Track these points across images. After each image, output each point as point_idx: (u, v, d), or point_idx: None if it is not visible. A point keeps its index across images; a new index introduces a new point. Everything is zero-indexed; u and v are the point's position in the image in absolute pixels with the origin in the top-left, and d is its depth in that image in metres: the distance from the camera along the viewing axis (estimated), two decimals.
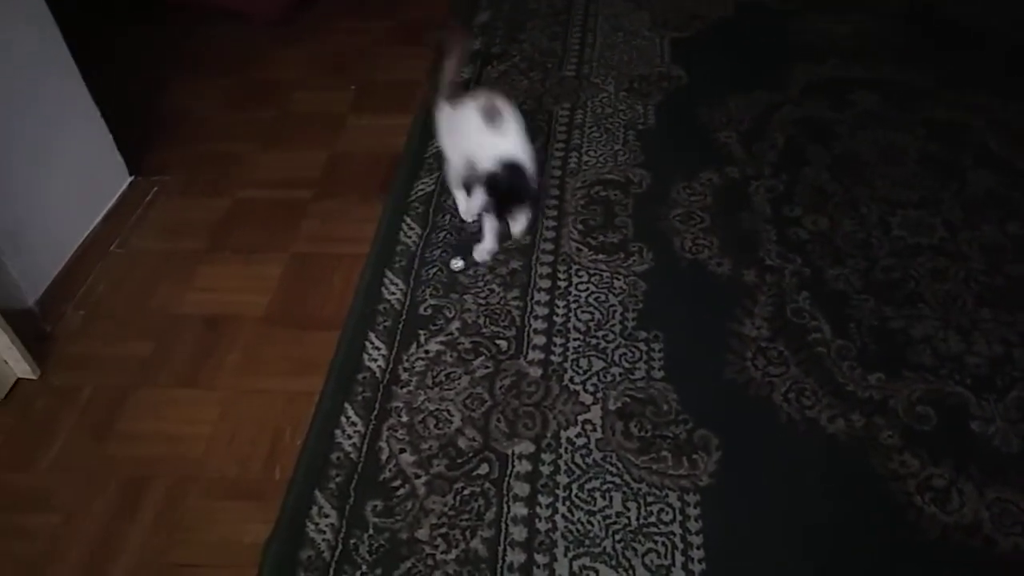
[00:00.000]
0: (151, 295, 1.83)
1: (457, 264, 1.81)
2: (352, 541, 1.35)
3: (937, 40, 2.45)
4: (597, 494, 1.39)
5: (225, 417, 1.57)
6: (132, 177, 2.08)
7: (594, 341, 1.65)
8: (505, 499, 1.40)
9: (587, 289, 1.76)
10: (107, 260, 1.91)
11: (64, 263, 1.84)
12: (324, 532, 1.37)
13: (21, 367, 1.63)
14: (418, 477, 1.44)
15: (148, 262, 1.91)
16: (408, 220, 1.96)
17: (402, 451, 1.48)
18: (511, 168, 1.61)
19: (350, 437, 1.51)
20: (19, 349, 1.60)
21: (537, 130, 2.16)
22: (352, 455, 1.48)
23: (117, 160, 2.04)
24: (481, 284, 1.78)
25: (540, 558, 1.31)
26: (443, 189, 2.03)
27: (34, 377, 1.65)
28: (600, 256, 1.82)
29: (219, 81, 2.51)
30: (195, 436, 1.54)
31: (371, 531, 1.36)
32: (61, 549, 1.38)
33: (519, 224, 1.72)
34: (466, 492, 1.41)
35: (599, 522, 1.35)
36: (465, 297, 1.75)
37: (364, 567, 1.32)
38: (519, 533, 1.35)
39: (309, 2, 2.84)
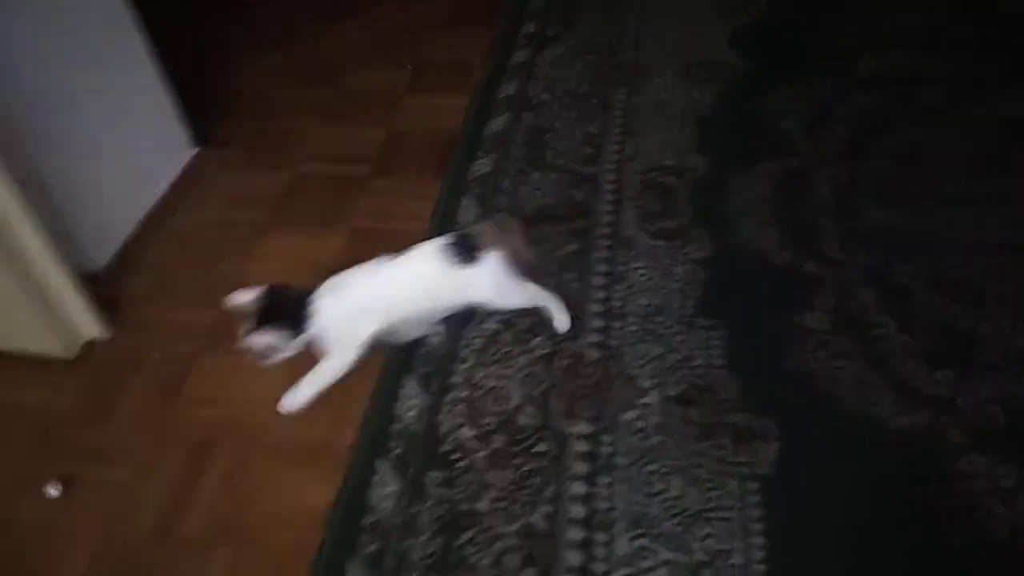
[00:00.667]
0: (215, 264, 1.86)
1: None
2: (413, 510, 1.38)
3: (999, 30, 2.39)
4: (655, 477, 1.40)
5: (290, 384, 1.59)
6: (197, 149, 2.12)
7: (652, 327, 1.64)
8: (564, 477, 1.41)
9: (645, 274, 1.76)
10: (172, 228, 1.96)
11: (132, 230, 1.89)
12: (386, 500, 1.40)
13: (92, 329, 1.68)
14: (477, 452, 1.46)
15: (211, 232, 1.95)
16: (465, 200, 1.98)
17: (461, 425, 1.50)
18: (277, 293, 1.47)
19: (410, 410, 1.53)
20: (91, 311, 1.64)
21: (593, 114, 2.16)
22: (412, 427, 1.51)
23: (183, 131, 2.08)
24: (539, 265, 1.79)
25: (599, 536, 1.33)
26: (499, 169, 2.05)
27: (104, 338, 1.70)
28: (659, 242, 1.82)
29: (272, 58, 2.55)
30: (261, 401, 1.56)
31: (432, 501, 1.39)
32: (132, 504, 1.43)
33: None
34: (525, 468, 1.42)
35: (658, 504, 1.36)
36: None
37: (426, 536, 1.34)
38: (577, 511, 1.36)
39: None
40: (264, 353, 1.45)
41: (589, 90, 2.29)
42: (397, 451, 1.47)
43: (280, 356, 1.47)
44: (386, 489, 1.41)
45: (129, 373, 1.64)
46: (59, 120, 1.66)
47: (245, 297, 1.45)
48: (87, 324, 1.66)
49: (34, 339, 1.63)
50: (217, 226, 1.96)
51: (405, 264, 1.52)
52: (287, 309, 1.46)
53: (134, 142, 1.90)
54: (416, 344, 1.63)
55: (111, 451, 1.51)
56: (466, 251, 1.49)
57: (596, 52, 2.45)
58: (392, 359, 1.62)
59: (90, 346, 1.69)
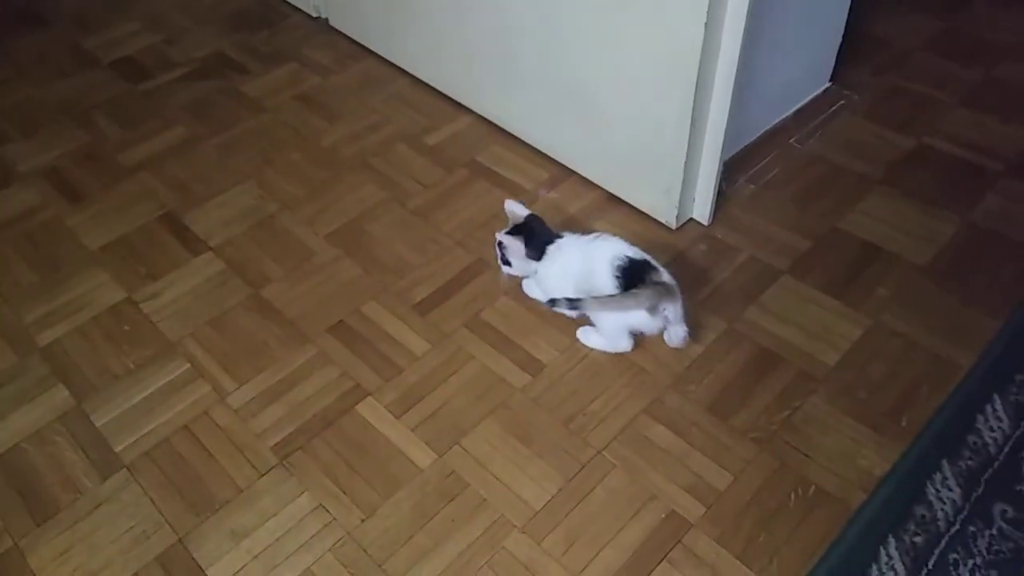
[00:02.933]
0: (816, 198, 1.88)
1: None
2: (971, 529, 1.29)
3: None
4: None
5: (865, 341, 1.58)
6: (828, 84, 2.13)
7: None
8: None
9: None
10: (784, 150, 2.01)
11: (754, 137, 1.98)
12: (943, 503, 1.32)
13: (700, 210, 1.81)
14: None
15: (819, 168, 1.96)
16: None
17: None
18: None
19: (992, 431, 1.42)
20: (710, 194, 1.77)
21: None
22: (991, 448, 1.39)
23: (826, 63, 2.09)
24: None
25: None
26: None
27: (704, 223, 1.83)
28: None
29: (926, 19, 2.42)
30: (831, 344, 1.58)
31: (994, 531, 1.28)
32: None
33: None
34: None
35: None
36: None
37: (978, 560, 1.25)
38: None
39: None
40: (503, 256, 1.61)
41: None
42: (969, 463, 1.37)
43: (511, 271, 1.63)
44: (946, 493, 1.34)
45: (717, 262, 1.75)
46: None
47: (517, 209, 1.62)
48: (700, 205, 1.80)
49: (649, 200, 1.82)
50: (825, 164, 1.96)
51: (589, 250, 1.55)
52: (535, 237, 1.58)
53: (796, 49, 1.93)
54: (1017, 366, 1.49)
55: (696, 326, 1.60)
56: (629, 277, 1.49)
57: None
58: (982, 369, 1.50)
59: (690, 223, 1.83)
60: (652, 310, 1.48)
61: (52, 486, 1.42)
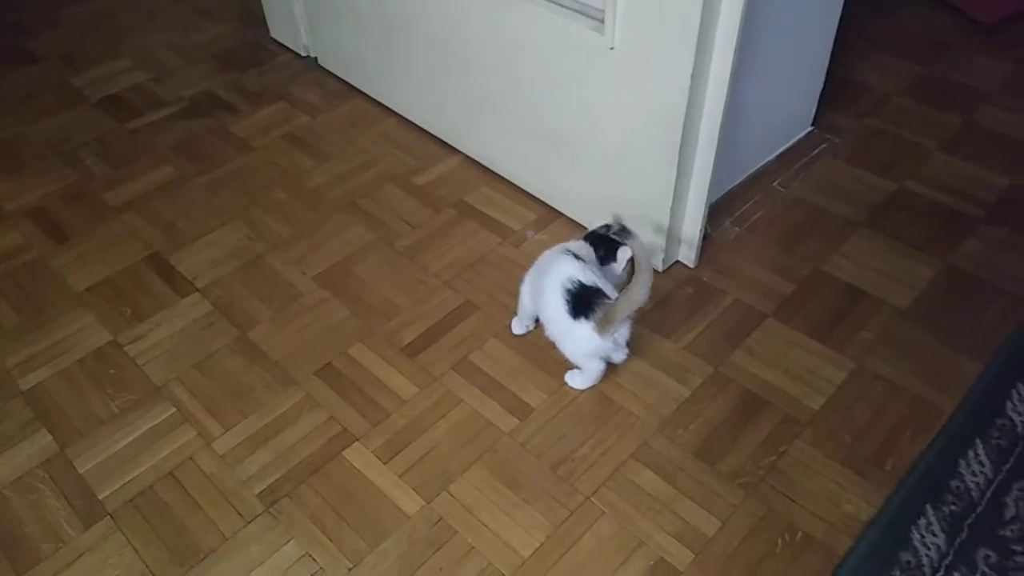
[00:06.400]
0: (798, 242, 1.91)
1: None
2: (956, 575, 1.30)
3: None
4: None
5: (849, 384, 1.60)
6: (811, 128, 2.17)
7: None
8: None
9: None
10: (767, 193, 2.04)
11: (738, 180, 2.02)
12: (928, 548, 1.33)
13: (686, 253, 1.83)
14: None
15: (801, 210, 1.99)
16: None
17: None
18: None
19: (975, 475, 1.43)
20: (696, 237, 1.79)
21: None
22: (973, 493, 1.40)
23: (808, 107, 2.14)
24: None
25: None
26: None
27: (690, 266, 1.85)
28: None
29: (906, 65, 2.48)
30: (815, 387, 1.59)
31: None
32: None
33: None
34: None
35: None
36: None
37: None
38: None
39: None
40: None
41: None
42: (952, 508, 1.39)
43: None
44: (931, 538, 1.35)
45: (703, 304, 1.76)
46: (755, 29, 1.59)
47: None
48: (686, 248, 1.82)
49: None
50: (807, 207, 2.00)
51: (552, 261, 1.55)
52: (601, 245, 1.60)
53: (779, 94, 1.96)
54: (995, 412, 1.51)
55: (675, 368, 1.64)
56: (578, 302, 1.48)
57: None
58: (962, 415, 1.52)
59: (676, 266, 1.85)
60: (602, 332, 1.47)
61: (34, 535, 1.39)
